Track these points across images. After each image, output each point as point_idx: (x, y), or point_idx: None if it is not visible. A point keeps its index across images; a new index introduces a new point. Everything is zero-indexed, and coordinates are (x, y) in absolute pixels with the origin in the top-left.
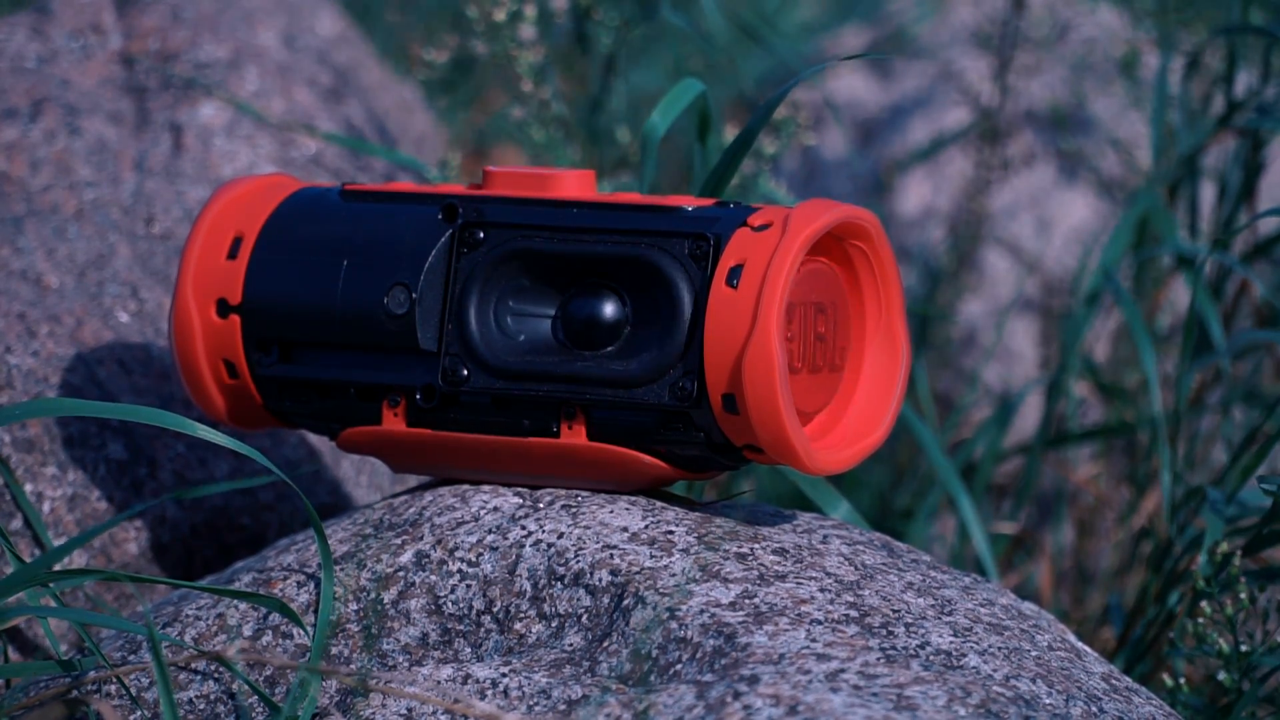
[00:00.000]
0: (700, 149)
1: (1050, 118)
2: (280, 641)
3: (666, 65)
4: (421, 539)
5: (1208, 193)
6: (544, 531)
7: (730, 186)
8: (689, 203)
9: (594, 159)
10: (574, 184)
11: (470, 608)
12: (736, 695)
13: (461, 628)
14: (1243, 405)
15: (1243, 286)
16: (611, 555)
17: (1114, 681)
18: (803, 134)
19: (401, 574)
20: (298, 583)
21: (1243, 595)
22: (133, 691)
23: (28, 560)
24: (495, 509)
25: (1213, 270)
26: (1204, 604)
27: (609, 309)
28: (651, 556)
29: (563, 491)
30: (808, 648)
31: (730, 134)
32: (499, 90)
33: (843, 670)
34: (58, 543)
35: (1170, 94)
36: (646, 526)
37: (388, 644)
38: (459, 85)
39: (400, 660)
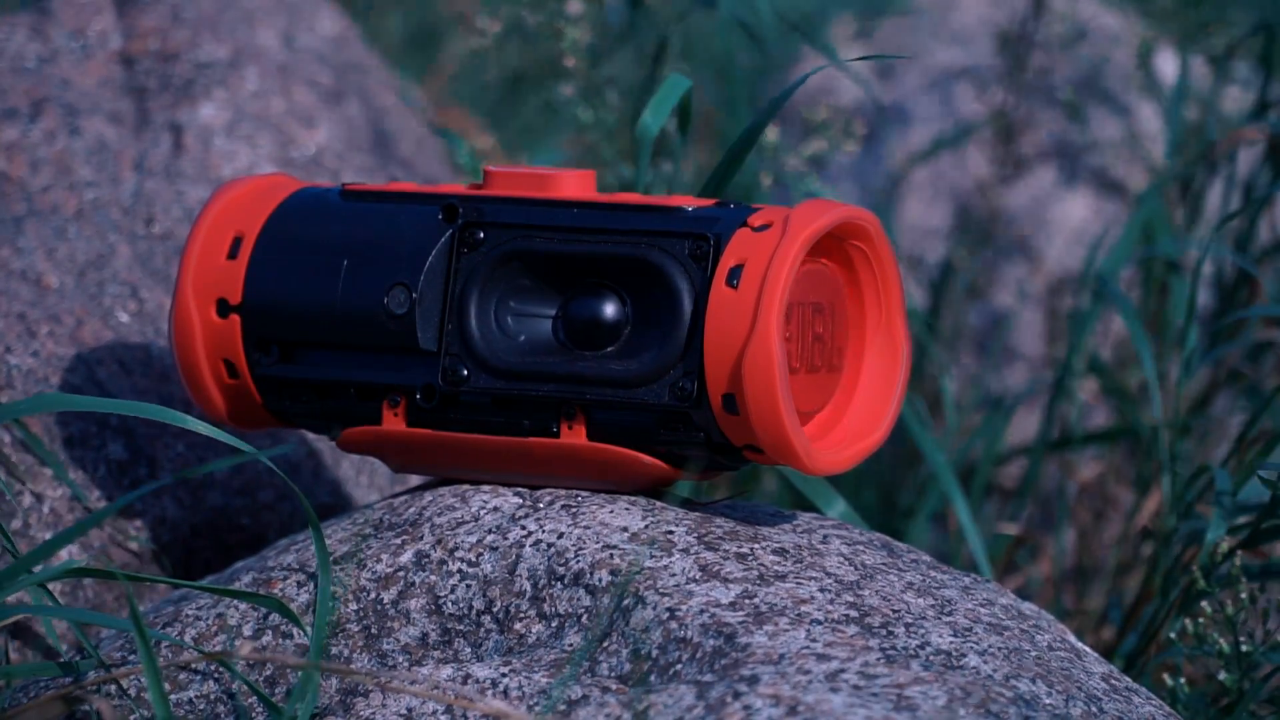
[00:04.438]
0: (681, 140)
1: (1064, 116)
2: (280, 641)
3: (712, 54)
4: (421, 539)
5: (1218, 192)
6: (544, 531)
7: (766, 188)
8: (689, 203)
9: (635, 145)
10: (574, 184)
11: (470, 608)
12: (736, 695)
13: (461, 628)
14: (1246, 406)
15: (1254, 287)
16: (611, 555)
17: (1114, 681)
18: (846, 139)
19: (401, 574)
20: (298, 583)
21: (1243, 594)
22: (133, 691)
23: (19, 556)
24: (495, 509)
25: (1231, 269)
26: (1204, 603)
27: (609, 309)
28: (651, 556)
29: (563, 491)
30: (808, 648)
31: (771, 132)
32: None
33: (843, 670)
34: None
35: (1186, 94)
36: (646, 526)
37: (388, 644)
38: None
39: (400, 660)
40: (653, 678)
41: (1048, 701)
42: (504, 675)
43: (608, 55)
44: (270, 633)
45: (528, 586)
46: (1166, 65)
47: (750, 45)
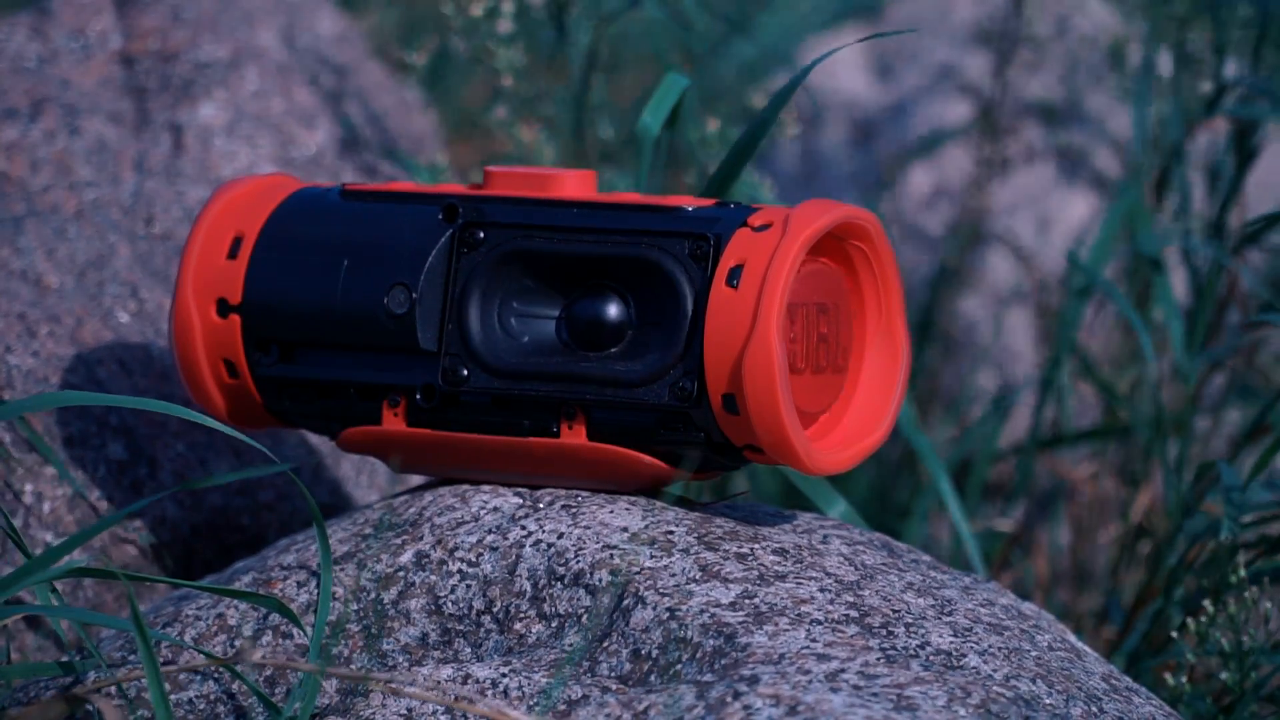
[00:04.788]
0: (669, 139)
1: (1049, 113)
2: (280, 641)
3: (646, 59)
4: (421, 539)
5: (1197, 182)
6: (544, 531)
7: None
8: (689, 203)
9: (578, 156)
10: (574, 184)
11: (470, 608)
12: (736, 695)
13: (461, 628)
14: (1236, 401)
15: (1231, 280)
16: (611, 555)
17: (1114, 681)
18: (789, 127)
19: (401, 574)
20: (298, 583)
21: (1246, 594)
22: (133, 691)
23: (32, 557)
24: (495, 509)
25: (1205, 261)
26: (1206, 602)
27: (613, 310)
28: (651, 556)
29: (563, 491)
30: (808, 648)
31: (712, 127)
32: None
33: (843, 670)
34: (58, 543)
35: (1158, 84)
36: (646, 526)
37: (388, 644)
38: (441, 80)
39: (400, 660)
40: (653, 678)
41: (1048, 701)
42: (504, 675)
43: (539, 70)
44: (270, 633)
45: (528, 586)
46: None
47: (682, 45)
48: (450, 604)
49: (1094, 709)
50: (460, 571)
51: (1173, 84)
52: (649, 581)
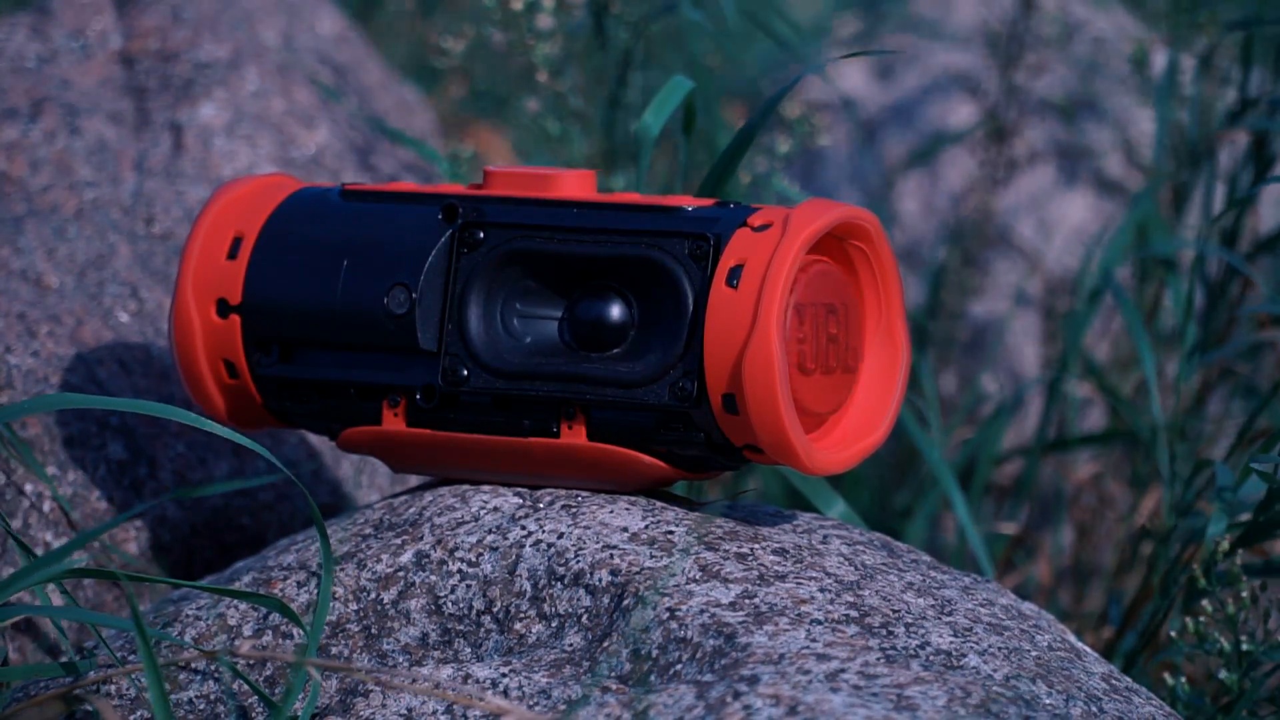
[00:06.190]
0: (685, 142)
1: (1057, 116)
2: (280, 641)
3: (682, 59)
4: (421, 539)
5: (1216, 192)
6: (544, 531)
7: (743, 185)
8: (689, 203)
9: (608, 153)
10: (574, 184)
11: (470, 608)
12: (736, 695)
13: (461, 628)
14: (1243, 405)
15: (1245, 285)
16: (611, 555)
17: (1114, 681)
18: (817, 134)
19: (401, 574)
20: (298, 583)
21: (1244, 594)
22: (133, 691)
23: (36, 557)
24: (495, 509)
25: (1218, 268)
26: (1204, 602)
27: (615, 311)
28: (651, 556)
29: (563, 491)
30: (808, 648)
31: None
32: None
33: (843, 670)
34: (58, 542)
35: (1180, 92)
36: (646, 526)
37: (388, 644)
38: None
39: (400, 660)
40: (653, 678)
41: (1048, 701)
42: (504, 675)
43: (575, 66)
44: (270, 633)
45: (528, 586)
46: (1161, 66)
47: (718, 47)
48: (450, 604)
49: (1094, 709)
50: (460, 571)
51: (1173, 89)
52: (649, 581)
